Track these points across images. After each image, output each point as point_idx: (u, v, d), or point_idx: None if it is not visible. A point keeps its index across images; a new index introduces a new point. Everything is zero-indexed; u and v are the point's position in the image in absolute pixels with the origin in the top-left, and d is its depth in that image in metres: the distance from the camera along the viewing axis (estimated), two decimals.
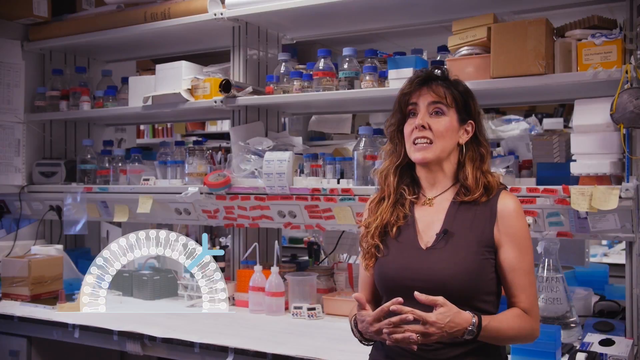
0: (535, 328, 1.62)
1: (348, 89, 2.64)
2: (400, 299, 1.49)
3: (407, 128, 1.70)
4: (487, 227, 1.63)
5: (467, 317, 1.50)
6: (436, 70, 1.73)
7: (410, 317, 1.46)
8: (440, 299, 1.47)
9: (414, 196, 1.73)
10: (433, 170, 1.70)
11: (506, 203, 1.65)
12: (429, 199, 1.71)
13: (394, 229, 1.69)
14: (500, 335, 1.56)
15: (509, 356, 1.86)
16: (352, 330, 1.69)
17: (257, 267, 2.74)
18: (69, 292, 2.88)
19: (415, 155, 1.68)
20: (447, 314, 1.47)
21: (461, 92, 1.70)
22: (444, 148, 1.67)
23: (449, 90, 1.68)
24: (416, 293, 1.48)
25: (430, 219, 1.68)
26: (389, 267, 1.66)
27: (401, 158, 1.74)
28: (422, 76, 1.72)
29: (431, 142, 1.66)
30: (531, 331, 1.61)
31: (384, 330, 1.49)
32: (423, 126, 1.66)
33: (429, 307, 1.49)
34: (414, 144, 1.67)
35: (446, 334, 1.48)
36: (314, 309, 2.61)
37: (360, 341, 1.68)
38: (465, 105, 1.70)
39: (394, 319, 1.47)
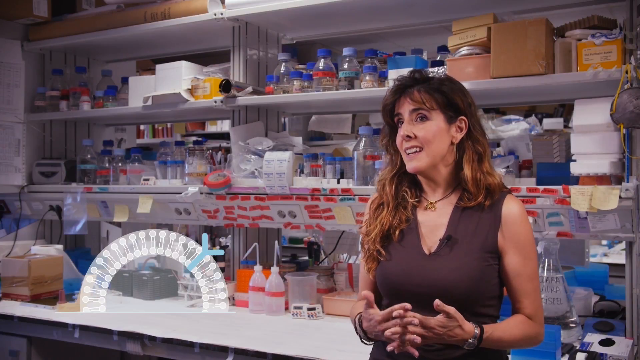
0: (539, 333, 1.62)
1: (348, 89, 2.64)
2: (408, 305, 1.48)
3: (398, 139, 1.68)
4: (491, 233, 1.62)
5: (469, 329, 1.49)
6: (415, 74, 1.69)
7: (416, 321, 1.46)
8: (452, 310, 1.46)
9: (416, 199, 1.72)
10: (430, 176, 1.68)
11: (511, 208, 1.63)
12: (432, 203, 1.70)
13: (397, 232, 1.68)
14: (502, 344, 1.58)
15: (509, 356, 1.86)
16: (355, 328, 1.67)
17: (257, 267, 2.73)
18: (69, 292, 2.88)
19: (408, 165, 1.66)
20: (447, 325, 1.46)
21: (443, 92, 1.64)
22: (435, 153, 1.64)
23: (427, 94, 1.63)
24: (436, 301, 1.46)
25: (433, 223, 1.67)
26: (392, 271, 1.65)
27: (397, 167, 1.73)
28: (399, 85, 1.68)
29: (421, 149, 1.64)
30: (535, 337, 1.61)
31: (392, 330, 1.48)
32: (409, 136, 1.64)
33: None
34: (407, 154, 1.66)
35: (444, 340, 1.49)
36: (314, 309, 2.61)
37: (362, 339, 1.67)
38: (450, 103, 1.64)
39: (402, 321, 1.47)
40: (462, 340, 1.49)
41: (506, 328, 1.57)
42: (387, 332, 1.49)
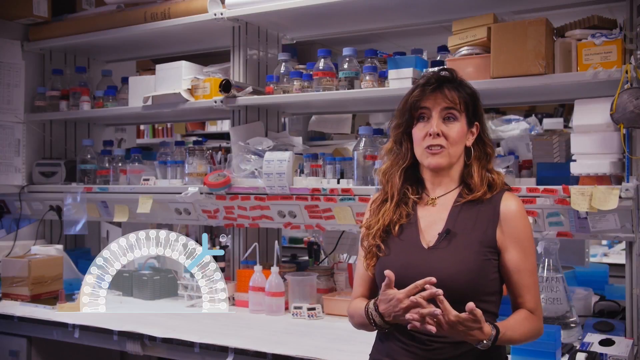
0: (540, 327, 1.64)
1: (348, 89, 2.64)
2: (433, 279, 1.48)
3: (418, 133, 1.68)
4: (489, 228, 1.63)
5: (487, 331, 1.48)
6: (444, 72, 1.71)
7: (439, 311, 1.45)
8: (479, 313, 1.44)
9: (417, 196, 1.73)
10: (442, 173, 1.70)
11: (509, 204, 1.65)
12: (432, 199, 1.71)
13: (397, 227, 1.69)
14: (512, 342, 1.62)
15: (509, 356, 1.86)
16: (369, 315, 1.62)
17: (257, 267, 2.74)
18: (69, 292, 2.88)
19: (428, 161, 1.67)
20: (470, 326, 1.45)
21: (470, 95, 1.69)
22: (456, 153, 1.67)
23: (460, 95, 1.67)
24: (470, 304, 1.43)
25: (432, 218, 1.68)
26: (390, 265, 1.65)
27: (408, 160, 1.73)
28: (434, 82, 1.68)
29: (446, 148, 1.65)
30: (538, 331, 1.63)
31: (414, 316, 1.47)
32: (438, 134, 1.65)
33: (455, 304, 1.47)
34: (428, 149, 1.66)
35: (457, 335, 1.48)
36: (314, 309, 2.61)
37: (380, 327, 1.62)
38: (474, 108, 1.70)
39: (425, 293, 1.47)
40: (478, 340, 1.49)
41: (515, 326, 1.58)
42: (408, 315, 1.48)
